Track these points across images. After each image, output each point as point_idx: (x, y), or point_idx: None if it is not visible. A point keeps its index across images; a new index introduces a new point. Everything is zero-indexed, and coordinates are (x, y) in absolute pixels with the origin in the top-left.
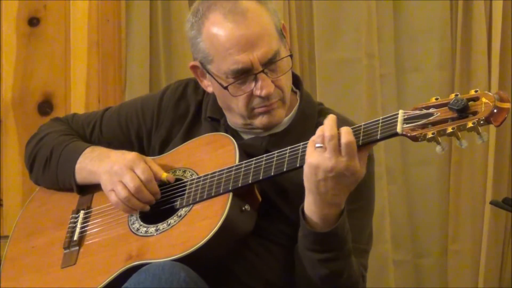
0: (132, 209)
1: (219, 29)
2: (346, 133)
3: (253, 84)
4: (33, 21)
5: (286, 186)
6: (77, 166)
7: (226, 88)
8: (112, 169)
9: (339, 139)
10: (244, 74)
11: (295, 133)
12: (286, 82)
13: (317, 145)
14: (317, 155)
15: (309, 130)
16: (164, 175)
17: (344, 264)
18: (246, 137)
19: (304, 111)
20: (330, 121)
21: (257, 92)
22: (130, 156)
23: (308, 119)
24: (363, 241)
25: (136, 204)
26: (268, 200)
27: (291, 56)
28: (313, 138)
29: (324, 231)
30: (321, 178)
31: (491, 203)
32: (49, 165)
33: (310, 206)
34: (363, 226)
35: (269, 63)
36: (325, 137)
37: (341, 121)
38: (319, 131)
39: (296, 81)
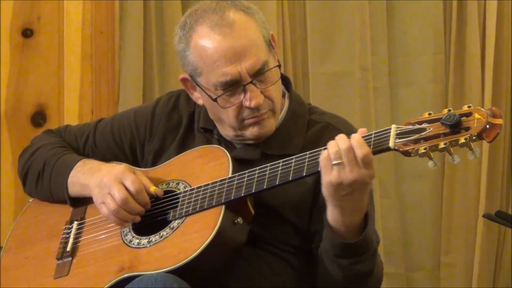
0: (123, 221)
1: (206, 41)
2: (361, 145)
3: (242, 96)
4: (27, 33)
5: (287, 189)
6: (69, 180)
7: (215, 100)
8: (101, 182)
9: (354, 151)
10: (233, 86)
11: (287, 132)
12: (275, 92)
13: (334, 162)
14: (337, 172)
15: (301, 129)
16: (152, 189)
17: (373, 262)
18: (239, 146)
19: (295, 110)
20: (342, 136)
21: (246, 103)
22: (119, 168)
23: (299, 118)
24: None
25: (125, 215)
26: (269, 208)
27: (279, 66)
28: (324, 156)
29: (354, 240)
30: (346, 193)
31: (484, 216)
32: (42, 179)
33: (336, 218)
34: (371, 218)
35: (258, 74)
36: (342, 150)
37: (333, 117)
38: (332, 148)
39: (286, 83)
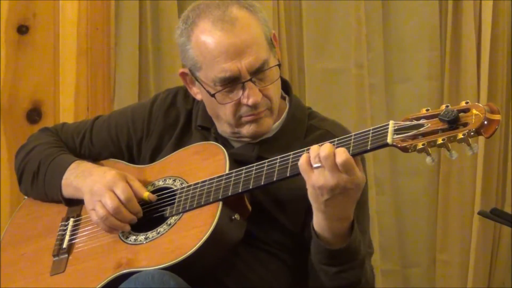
0: (112, 229)
1: (207, 36)
2: (341, 152)
3: (240, 93)
4: (22, 29)
5: (281, 193)
6: (63, 182)
7: (213, 95)
8: (92, 189)
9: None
10: (232, 83)
11: (285, 137)
12: (274, 91)
13: (315, 165)
14: (318, 175)
15: (299, 134)
16: (145, 194)
17: (360, 272)
18: (236, 145)
19: (294, 115)
20: (327, 144)
21: (244, 101)
22: (110, 176)
23: (298, 123)
24: (366, 244)
25: (115, 223)
26: (263, 209)
27: (279, 65)
28: (304, 159)
29: (338, 247)
30: (328, 197)
31: (479, 213)
32: (37, 180)
33: (320, 223)
34: (365, 230)
35: (257, 72)
36: (321, 157)
37: (333, 125)
38: (313, 152)
39: (286, 87)
